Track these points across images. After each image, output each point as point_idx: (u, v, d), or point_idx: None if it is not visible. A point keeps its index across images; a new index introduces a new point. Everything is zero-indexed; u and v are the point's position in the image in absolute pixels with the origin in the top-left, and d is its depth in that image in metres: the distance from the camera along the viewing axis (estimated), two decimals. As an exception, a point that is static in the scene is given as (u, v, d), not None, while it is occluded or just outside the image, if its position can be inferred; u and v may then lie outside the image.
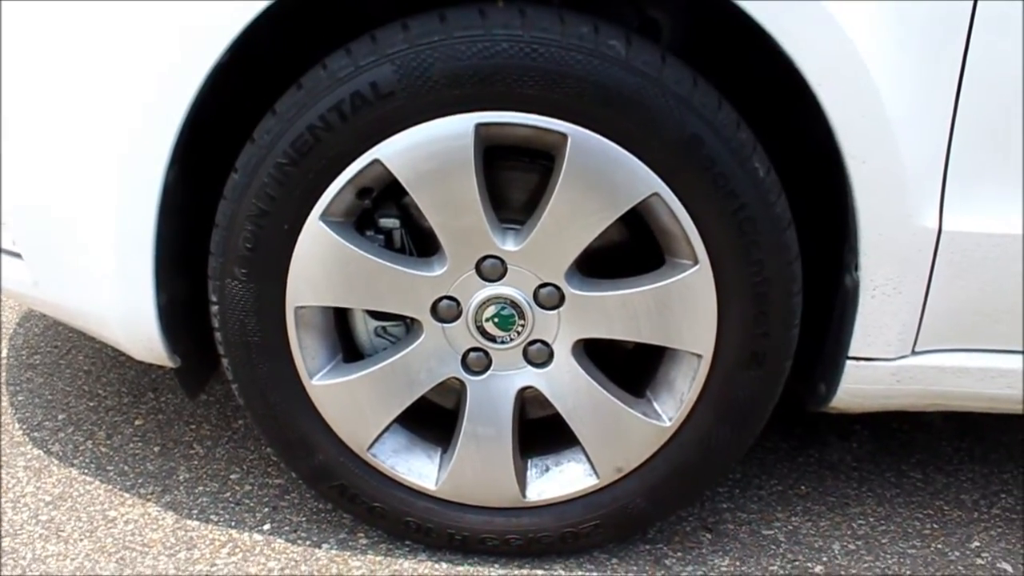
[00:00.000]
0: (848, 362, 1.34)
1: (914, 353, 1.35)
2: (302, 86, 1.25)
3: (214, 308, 1.36)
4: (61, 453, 1.75)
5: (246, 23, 1.20)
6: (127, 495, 1.64)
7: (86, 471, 1.70)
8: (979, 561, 1.54)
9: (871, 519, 1.63)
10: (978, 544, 1.58)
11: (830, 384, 1.37)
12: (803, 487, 1.71)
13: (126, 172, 1.29)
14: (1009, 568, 1.52)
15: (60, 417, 1.86)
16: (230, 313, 1.35)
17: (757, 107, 1.30)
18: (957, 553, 1.55)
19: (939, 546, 1.57)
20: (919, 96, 1.21)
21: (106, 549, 1.50)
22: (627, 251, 1.39)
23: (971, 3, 1.17)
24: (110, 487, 1.66)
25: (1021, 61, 1.20)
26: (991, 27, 1.18)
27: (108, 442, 1.78)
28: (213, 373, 1.60)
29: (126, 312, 1.38)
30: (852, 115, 1.20)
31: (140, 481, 1.67)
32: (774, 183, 1.26)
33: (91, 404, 1.91)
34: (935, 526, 1.62)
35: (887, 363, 1.34)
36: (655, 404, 1.39)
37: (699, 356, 1.32)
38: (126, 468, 1.71)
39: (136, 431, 1.82)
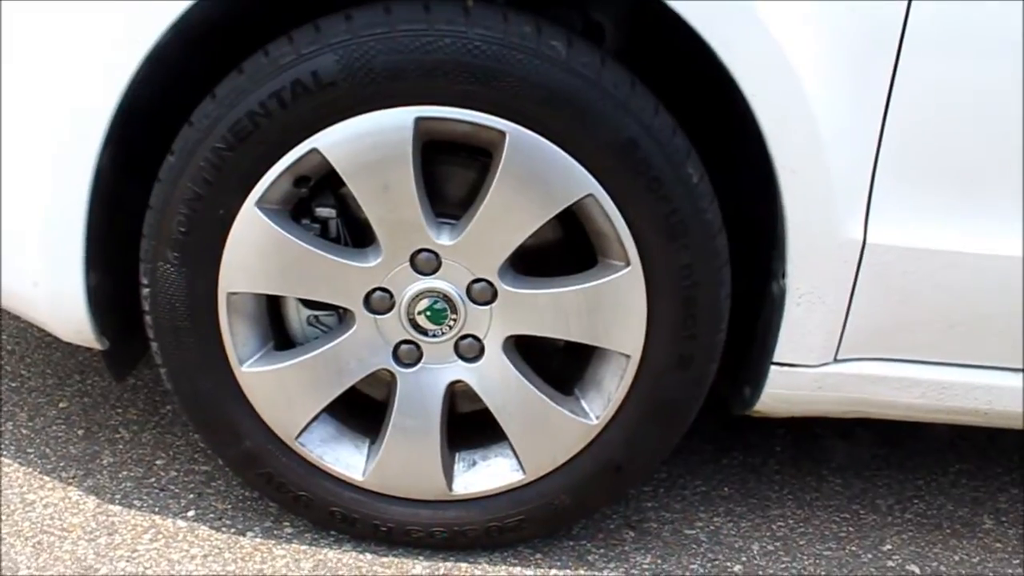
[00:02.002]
0: (772, 367, 1.37)
1: (836, 361, 1.38)
2: (243, 71, 1.24)
3: (145, 291, 1.35)
4: (-20, 434, 1.71)
5: (185, 7, 1.19)
6: (47, 479, 1.61)
7: (5, 453, 1.66)
8: (890, 563, 1.59)
9: (790, 521, 1.67)
10: (890, 547, 1.63)
11: (754, 388, 1.40)
12: (726, 489, 1.75)
13: (57, 151, 1.27)
14: (917, 570, 1.57)
15: (-20, 397, 1.82)
16: (161, 297, 1.34)
17: (695, 115, 1.33)
18: (870, 555, 1.60)
19: (853, 548, 1.62)
20: (850, 110, 1.24)
21: (23, 533, 1.47)
22: (561, 250, 1.40)
23: (902, 19, 1.21)
24: (30, 470, 1.62)
25: (949, 78, 1.23)
26: (920, 44, 1.22)
27: (30, 424, 1.75)
28: (142, 357, 1.58)
29: (54, 292, 1.36)
30: (784, 126, 1.23)
31: (62, 465, 1.64)
32: (707, 189, 1.28)
33: (13, 385, 1.86)
34: (851, 529, 1.67)
35: (810, 369, 1.38)
36: (583, 402, 1.41)
37: (627, 356, 1.34)
38: (47, 451, 1.68)
39: (60, 413, 1.79)
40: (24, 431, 1.73)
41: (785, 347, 1.36)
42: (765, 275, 1.35)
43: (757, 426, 1.92)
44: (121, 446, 1.71)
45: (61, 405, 1.81)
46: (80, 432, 1.74)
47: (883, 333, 1.37)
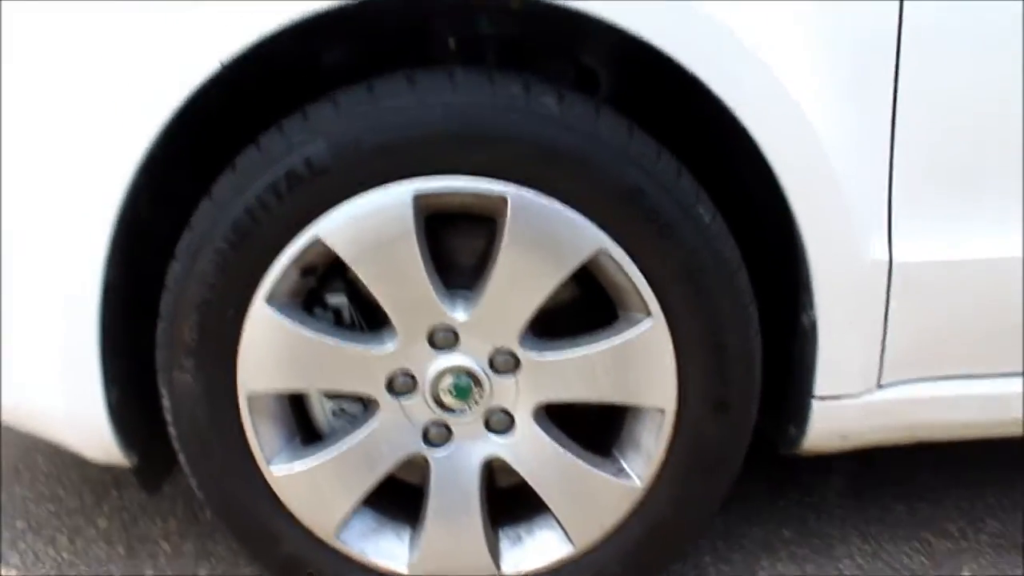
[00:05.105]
0: (814, 401, 1.31)
1: (880, 387, 1.33)
2: (236, 168, 1.23)
3: (165, 402, 1.33)
4: (20, 564, 1.68)
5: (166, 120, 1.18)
6: (92, 602, 1.58)
7: (48, 580, 1.64)
8: (971, 592, 1.51)
9: (858, 559, 1.59)
10: (969, 574, 1.54)
11: (799, 425, 1.35)
12: (786, 531, 1.67)
13: (66, 272, 1.26)
14: (1002, 596, 1.49)
15: (19, 525, 1.79)
16: (181, 405, 1.31)
17: (701, 152, 1.30)
18: (948, 585, 1.52)
19: (930, 580, 1.54)
20: (854, 128, 1.21)
21: (71, 662, 1.44)
22: (581, 306, 1.36)
23: (896, 30, 1.18)
24: (74, 595, 1.59)
25: (954, 81, 1.20)
26: (918, 50, 1.19)
27: (71, 547, 1.72)
28: (173, 467, 1.55)
29: (76, 414, 1.34)
30: (788, 152, 1.20)
31: (105, 586, 1.61)
32: (720, 228, 1.25)
33: (51, 508, 1.84)
34: (924, 559, 1.58)
35: (854, 399, 1.32)
36: (623, 463, 1.36)
37: (662, 411, 1.30)
38: (90, 573, 1.64)
39: (100, 532, 1.76)
40: (65, 555, 1.70)
41: (824, 379, 1.31)
42: (795, 306, 1.30)
43: (810, 460, 1.84)
44: (163, 559, 1.67)
45: (100, 523, 1.79)
46: (121, 550, 1.71)
47: (926, 352, 1.31)
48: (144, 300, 1.34)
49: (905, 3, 1.18)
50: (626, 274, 1.24)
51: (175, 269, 1.27)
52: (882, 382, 1.32)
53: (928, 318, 1.27)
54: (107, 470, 1.94)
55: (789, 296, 1.31)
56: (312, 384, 1.32)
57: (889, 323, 1.27)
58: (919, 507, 1.72)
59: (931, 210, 1.25)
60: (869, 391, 1.32)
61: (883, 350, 1.29)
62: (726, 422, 1.30)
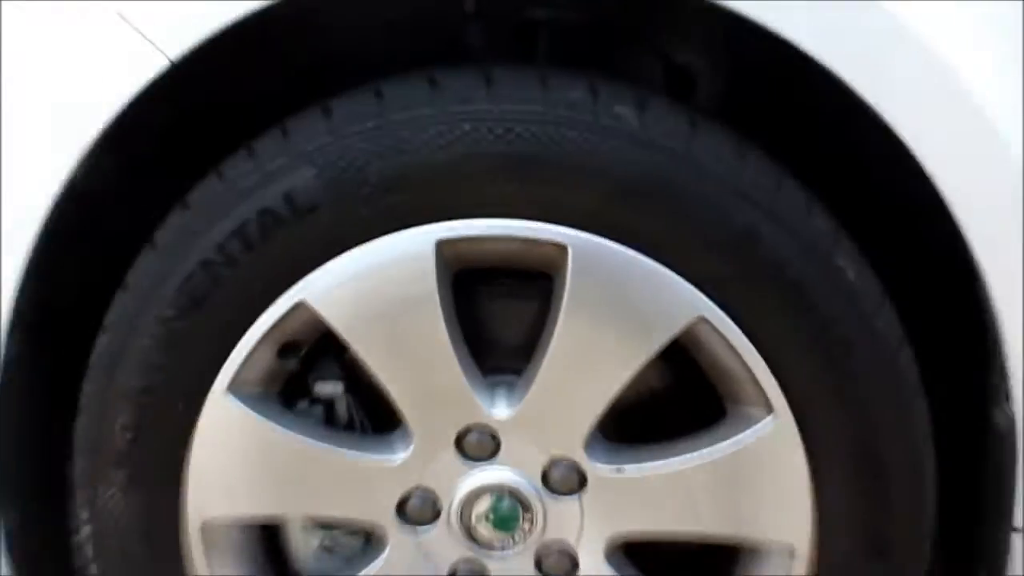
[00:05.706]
0: (1016, 536, 1.00)
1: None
2: (189, 205, 1.01)
3: (84, 530, 1.08)
4: None
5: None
6: None
7: None
8: None
9: None
10: None
11: (993, 570, 1.04)
12: None
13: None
14: None
15: None
16: (107, 535, 1.07)
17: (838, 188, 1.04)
18: None
19: None
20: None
21: None
22: (674, 399, 1.10)
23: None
24: None
25: None
26: None
27: None
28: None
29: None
30: (973, 195, 0.95)
31: None
32: (871, 287, 0.98)
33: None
34: None
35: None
36: (734, 624, 1.07)
37: (792, 550, 1.01)
38: None
39: None
40: None
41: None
42: (985, 399, 1.02)
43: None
44: None
45: None
46: None
47: None
48: (58, 386, 1.12)
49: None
50: (736, 353, 0.98)
51: (103, 344, 1.03)
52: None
53: None
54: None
55: (975, 385, 1.03)
56: (291, 509, 1.08)
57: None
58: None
59: None
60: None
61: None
62: (886, 567, 1.01)
